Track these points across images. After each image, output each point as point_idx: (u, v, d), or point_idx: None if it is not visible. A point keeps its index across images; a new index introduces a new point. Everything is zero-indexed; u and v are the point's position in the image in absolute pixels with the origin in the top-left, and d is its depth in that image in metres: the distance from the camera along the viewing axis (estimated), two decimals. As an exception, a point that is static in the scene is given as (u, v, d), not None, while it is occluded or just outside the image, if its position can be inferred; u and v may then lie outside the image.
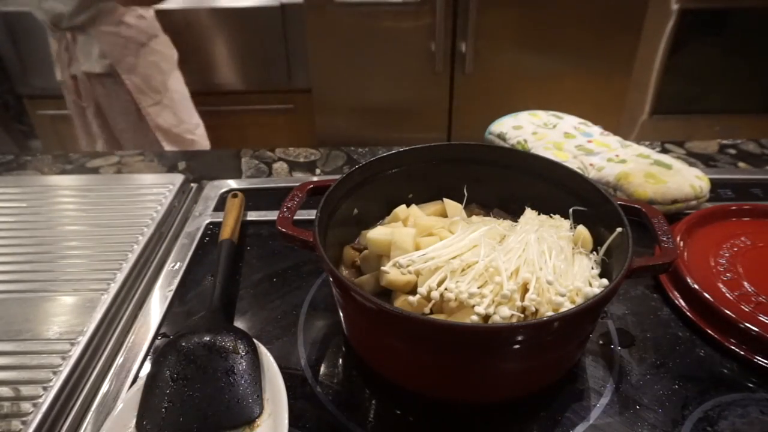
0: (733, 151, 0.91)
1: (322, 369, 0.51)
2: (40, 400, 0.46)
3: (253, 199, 0.75)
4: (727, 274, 0.59)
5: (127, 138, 1.44)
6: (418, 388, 0.46)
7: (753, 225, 0.67)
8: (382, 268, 0.47)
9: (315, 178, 0.85)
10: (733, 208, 0.69)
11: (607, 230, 0.48)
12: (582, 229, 0.51)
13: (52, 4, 1.25)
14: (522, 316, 0.42)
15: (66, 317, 0.55)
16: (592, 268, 0.47)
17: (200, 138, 1.54)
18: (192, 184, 0.82)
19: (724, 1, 1.80)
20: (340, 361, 0.52)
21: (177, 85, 1.48)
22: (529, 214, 0.54)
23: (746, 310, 0.54)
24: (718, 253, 0.62)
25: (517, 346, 0.40)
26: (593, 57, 1.67)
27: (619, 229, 0.46)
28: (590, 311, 0.40)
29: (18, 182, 0.82)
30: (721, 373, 0.50)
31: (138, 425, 0.42)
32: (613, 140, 0.81)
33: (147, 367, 0.51)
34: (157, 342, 0.54)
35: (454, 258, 0.45)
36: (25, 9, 1.67)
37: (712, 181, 0.72)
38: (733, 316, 0.52)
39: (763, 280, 0.58)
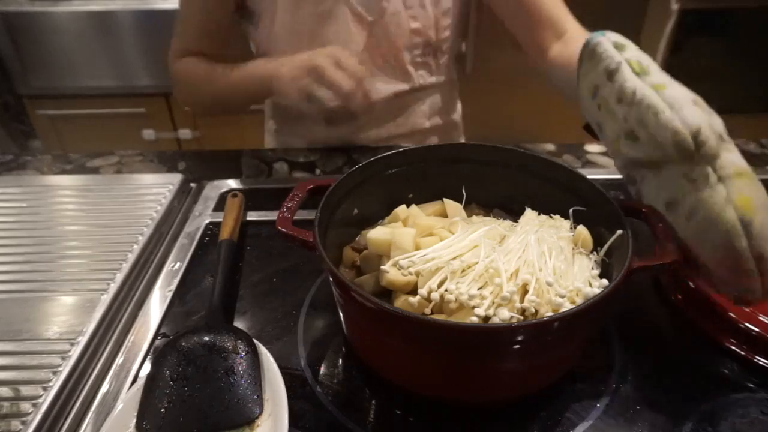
0: (733, 151, 0.90)
1: (322, 369, 0.51)
2: (40, 400, 0.46)
3: (253, 199, 0.75)
4: (727, 275, 0.59)
5: None
6: (418, 388, 0.46)
7: (753, 225, 0.67)
8: (382, 267, 0.47)
9: (315, 178, 0.85)
10: (733, 208, 0.69)
11: (607, 230, 0.48)
12: (582, 230, 0.50)
13: None
14: (521, 317, 0.42)
15: (66, 317, 0.55)
16: (592, 269, 0.47)
17: None
18: (192, 184, 0.82)
19: (724, 1, 1.80)
20: (340, 361, 0.52)
21: None
22: (529, 214, 0.54)
23: (746, 310, 0.54)
24: (718, 253, 0.62)
25: (517, 347, 0.40)
26: (593, 57, 1.67)
27: (619, 231, 0.46)
28: (590, 312, 0.40)
29: (18, 182, 0.82)
30: (721, 373, 0.50)
31: (138, 425, 0.42)
32: None
33: (147, 367, 0.51)
34: (157, 342, 0.54)
35: (454, 259, 0.45)
36: (25, 9, 1.67)
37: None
38: (733, 316, 0.52)
39: (763, 281, 0.57)
